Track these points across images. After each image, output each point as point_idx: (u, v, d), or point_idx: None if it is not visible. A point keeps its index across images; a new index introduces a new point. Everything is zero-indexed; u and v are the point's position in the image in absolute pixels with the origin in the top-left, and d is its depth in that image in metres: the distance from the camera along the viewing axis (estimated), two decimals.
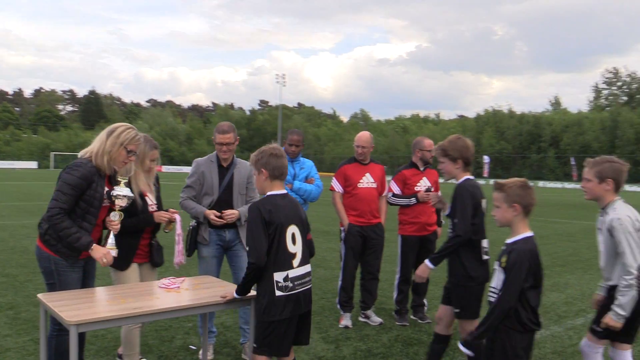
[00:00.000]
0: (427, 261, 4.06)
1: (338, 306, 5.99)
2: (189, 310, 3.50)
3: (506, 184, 3.33)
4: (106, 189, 3.83)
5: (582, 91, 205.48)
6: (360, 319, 5.99)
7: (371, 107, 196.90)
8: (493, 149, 70.66)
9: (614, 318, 3.38)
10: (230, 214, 4.58)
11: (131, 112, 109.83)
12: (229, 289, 3.65)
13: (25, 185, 31.63)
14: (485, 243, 3.99)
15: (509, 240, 3.32)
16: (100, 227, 3.92)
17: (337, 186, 5.95)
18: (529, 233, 3.29)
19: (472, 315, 3.93)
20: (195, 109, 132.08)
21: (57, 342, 3.72)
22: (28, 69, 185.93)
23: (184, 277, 4.08)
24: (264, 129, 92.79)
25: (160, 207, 4.43)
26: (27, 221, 13.96)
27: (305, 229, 3.53)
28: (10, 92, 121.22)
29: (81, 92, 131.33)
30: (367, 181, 5.89)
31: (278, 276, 3.31)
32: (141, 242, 4.29)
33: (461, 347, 3.47)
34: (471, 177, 4.03)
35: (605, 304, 3.54)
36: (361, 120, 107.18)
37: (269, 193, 3.46)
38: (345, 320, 5.80)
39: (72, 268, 3.72)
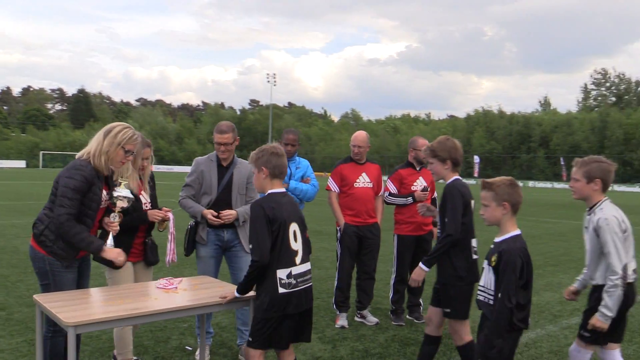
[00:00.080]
0: (421, 264, 4.06)
1: (334, 306, 5.97)
2: (188, 311, 3.47)
3: (494, 182, 3.33)
4: (104, 191, 3.81)
5: (571, 92, 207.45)
6: (356, 319, 5.97)
7: (362, 107, 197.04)
8: (483, 149, 71.00)
9: (601, 319, 3.40)
10: (227, 214, 4.54)
11: (121, 111, 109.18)
12: (228, 290, 3.63)
13: (14, 184, 31.36)
14: (474, 242, 4.02)
15: (497, 239, 3.33)
16: (97, 228, 3.88)
17: (333, 186, 5.94)
18: (517, 231, 3.30)
19: (462, 315, 3.94)
20: (185, 108, 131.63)
21: (52, 343, 3.69)
22: (16, 67, 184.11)
23: (181, 277, 4.04)
24: (255, 129, 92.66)
25: (155, 206, 4.40)
26: (16, 221, 13.83)
27: (304, 227, 3.56)
28: None
29: (70, 90, 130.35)
30: (363, 181, 5.88)
31: (281, 273, 3.32)
32: (135, 241, 4.26)
33: None
34: (459, 177, 4.06)
35: (592, 307, 3.55)
36: (352, 120, 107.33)
37: (270, 191, 3.47)
38: (342, 321, 5.78)
39: (67, 269, 3.68)
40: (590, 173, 3.54)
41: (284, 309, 3.31)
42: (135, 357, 4.48)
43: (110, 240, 3.83)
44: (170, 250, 4.41)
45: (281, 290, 3.30)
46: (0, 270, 7.99)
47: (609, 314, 3.37)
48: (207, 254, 4.70)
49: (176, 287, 3.76)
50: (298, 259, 3.40)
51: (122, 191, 3.81)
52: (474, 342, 3.90)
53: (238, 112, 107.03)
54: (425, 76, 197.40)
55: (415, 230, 5.96)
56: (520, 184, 3.37)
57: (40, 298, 3.38)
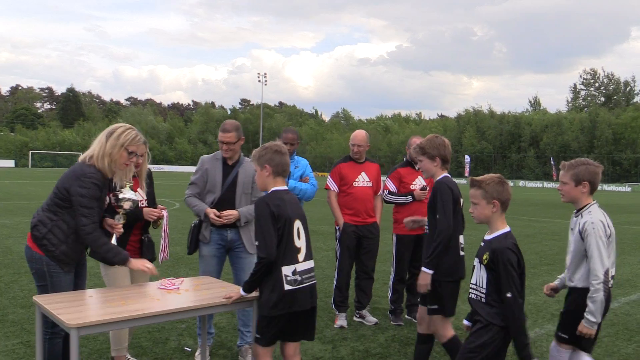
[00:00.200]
0: (423, 268, 4.00)
1: (332, 306, 5.94)
2: (192, 312, 3.43)
3: (483, 180, 3.32)
4: (110, 195, 3.78)
5: (561, 92, 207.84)
6: (355, 318, 5.94)
7: (353, 107, 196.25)
8: (474, 149, 71.22)
9: (587, 325, 3.40)
10: (228, 214, 4.48)
11: (111, 111, 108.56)
12: (231, 290, 3.60)
13: (3, 184, 31.05)
14: (461, 239, 4.04)
15: (487, 237, 3.32)
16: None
17: (332, 185, 5.91)
18: (507, 228, 3.30)
19: (448, 312, 3.95)
20: (175, 107, 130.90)
21: (50, 345, 3.63)
22: (4, 66, 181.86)
23: (182, 277, 4.00)
24: (246, 128, 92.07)
25: (152, 204, 4.37)
26: (7, 220, 13.68)
27: (307, 225, 3.55)
28: None
29: (59, 89, 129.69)
30: (362, 180, 5.85)
31: (287, 270, 3.30)
32: (131, 238, 4.22)
33: None
34: (449, 175, 4.08)
35: (570, 310, 3.58)
36: (343, 120, 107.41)
37: (273, 189, 3.46)
38: (341, 321, 5.75)
39: (64, 271, 3.63)
40: (578, 176, 3.56)
41: (290, 307, 3.29)
42: (132, 359, 4.44)
43: (113, 242, 3.79)
44: (164, 248, 4.38)
45: (287, 287, 3.28)
46: None
47: (593, 319, 3.38)
48: (210, 253, 4.64)
49: (178, 288, 3.72)
50: (301, 256, 3.39)
51: (127, 193, 3.77)
52: (457, 335, 3.95)
53: (229, 112, 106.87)
54: (415, 76, 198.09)
55: (414, 229, 5.92)
56: (511, 183, 3.35)
57: (41, 299, 3.32)
